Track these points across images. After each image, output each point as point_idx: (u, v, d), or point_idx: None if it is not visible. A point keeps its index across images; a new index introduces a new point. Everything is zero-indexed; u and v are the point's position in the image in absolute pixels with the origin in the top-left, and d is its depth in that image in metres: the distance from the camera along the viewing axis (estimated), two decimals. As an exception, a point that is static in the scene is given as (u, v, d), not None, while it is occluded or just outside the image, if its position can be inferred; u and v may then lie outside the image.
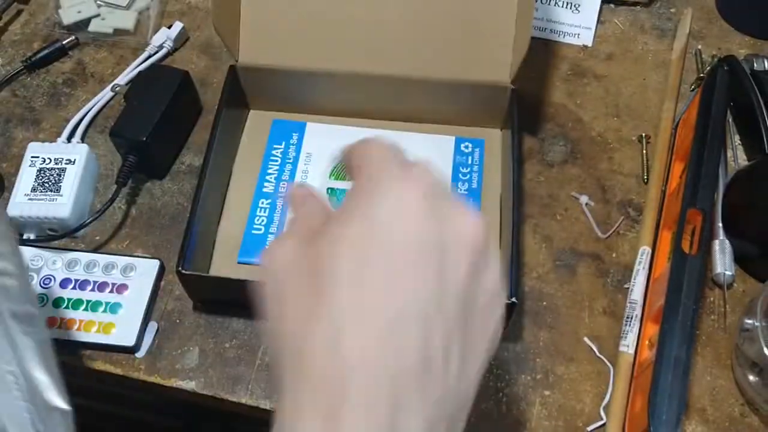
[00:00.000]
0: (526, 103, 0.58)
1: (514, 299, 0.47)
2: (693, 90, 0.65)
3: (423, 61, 0.57)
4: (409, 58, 0.57)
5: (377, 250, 0.26)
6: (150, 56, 0.66)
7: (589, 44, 0.68)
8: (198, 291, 0.52)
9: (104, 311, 0.52)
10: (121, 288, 0.53)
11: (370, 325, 0.25)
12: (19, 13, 0.70)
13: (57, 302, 0.52)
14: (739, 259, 0.55)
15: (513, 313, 0.48)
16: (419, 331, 0.25)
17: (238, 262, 0.54)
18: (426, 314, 0.25)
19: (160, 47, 0.66)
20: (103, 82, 0.65)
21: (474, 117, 0.60)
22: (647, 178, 0.59)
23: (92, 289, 0.53)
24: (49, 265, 0.54)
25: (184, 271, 0.48)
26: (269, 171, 0.58)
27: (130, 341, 0.51)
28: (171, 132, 0.60)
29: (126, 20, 0.67)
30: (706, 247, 0.51)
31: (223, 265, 0.54)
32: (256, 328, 0.52)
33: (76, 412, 0.37)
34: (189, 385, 0.50)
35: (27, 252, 0.55)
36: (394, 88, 0.58)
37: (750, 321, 0.49)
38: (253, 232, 0.55)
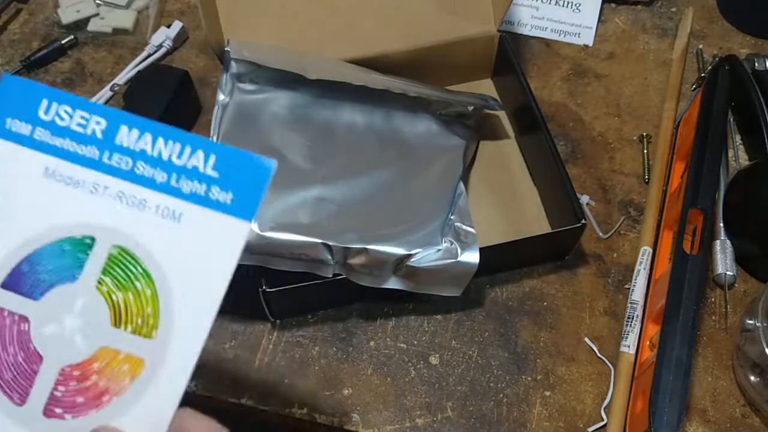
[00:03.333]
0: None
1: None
2: (694, 89, 0.65)
3: (406, 33, 0.58)
4: (393, 33, 0.58)
5: None
6: (149, 55, 0.66)
7: (590, 44, 0.67)
8: None
9: (103, 311, 0.52)
10: (120, 288, 0.53)
11: None
12: (18, 12, 0.70)
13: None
14: (741, 259, 0.55)
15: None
16: None
17: None
18: None
19: (160, 46, 0.66)
20: (102, 81, 0.65)
21: (465, 72, 0.62)
22: (648, 178, 0.59)
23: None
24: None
25: None
26: None
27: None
28: (170, 131, 0.60)
29: (125, 19, 0.67)
30: (707, 248, 0.50)
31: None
32: (255, 329, 0.52)
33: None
34: (189, 386, 0.50)
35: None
36: (384, 65, 0.58)
37: (751, 321, 0.49)
38: None
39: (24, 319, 0.31)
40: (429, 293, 0.50)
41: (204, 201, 0.32)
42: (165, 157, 0.32)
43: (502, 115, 0.62)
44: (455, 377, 0.51)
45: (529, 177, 0.59)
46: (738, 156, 0.61)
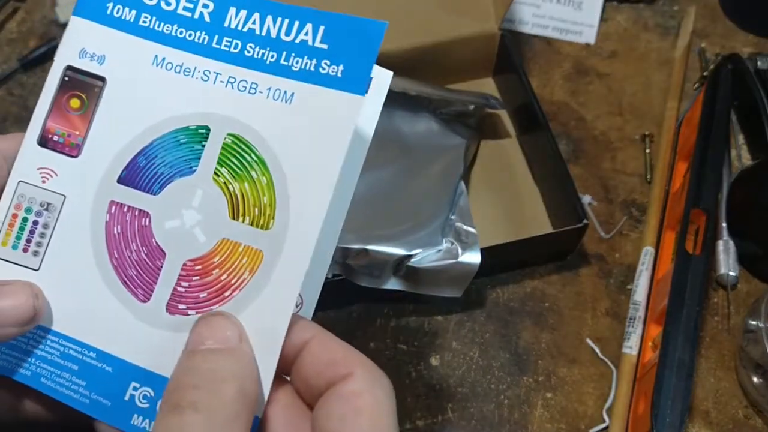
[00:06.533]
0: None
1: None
2: (696, 89, 0.64)
3: (406, 31, 0.58)
4: (393, 31, 0.57)
5: None
6: (148, 54, 0.65)
7: (592, 42, 0.67)
8: None
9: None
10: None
11: None
12: (15, 11, 0.69)
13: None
14: (743, 259, 0.54)
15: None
16: None
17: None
18: None
19: (158, 45, 0.65)
20: (100, 80, 0.65)
21: (465, 71, 0.61)
22: (650, 178, 0.59)
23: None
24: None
25: None
26: None
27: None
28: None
29: (124, 18, 0.67)
30: (709, 248, 0.50)
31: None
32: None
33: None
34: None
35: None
36: (384, 64, 0.58)
37: (754, 322, 0.48)
38: None
39: (145, 214, 0.30)
40: (429, 294, 0.49)
41: (314, 77, 0.30)
42: (274, 35, 0.30)
43: (503, 114, 0.61)
44: (456, 378, 0.50)
45: (530, 176, 0.59)
46: (741, 155, 0.60)
